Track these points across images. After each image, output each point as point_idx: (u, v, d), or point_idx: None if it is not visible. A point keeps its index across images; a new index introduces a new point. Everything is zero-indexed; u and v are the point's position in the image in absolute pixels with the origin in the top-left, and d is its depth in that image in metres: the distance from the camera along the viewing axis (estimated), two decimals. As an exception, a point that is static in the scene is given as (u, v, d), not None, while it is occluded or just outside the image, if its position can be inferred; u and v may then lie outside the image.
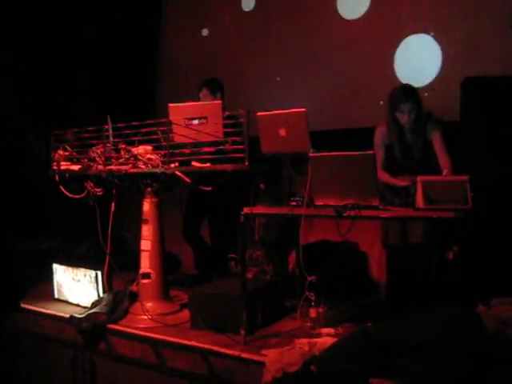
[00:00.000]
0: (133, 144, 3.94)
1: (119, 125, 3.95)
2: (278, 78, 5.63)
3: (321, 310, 3.65)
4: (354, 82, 5.23)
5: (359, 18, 5.27)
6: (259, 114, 3.43)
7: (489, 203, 3.33)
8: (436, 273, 3.61)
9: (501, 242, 3.57)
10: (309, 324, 3.65)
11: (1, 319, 3.32)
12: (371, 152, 3.04)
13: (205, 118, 3.62)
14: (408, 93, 3.79)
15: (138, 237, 4.14)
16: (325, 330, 3.56)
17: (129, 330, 3.76)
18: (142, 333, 3.70)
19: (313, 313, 3.64)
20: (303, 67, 5.54)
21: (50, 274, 4.60)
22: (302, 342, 3.25)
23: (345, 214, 3.09)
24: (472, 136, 3.80)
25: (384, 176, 3.82)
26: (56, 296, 4.52)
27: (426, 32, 4.90)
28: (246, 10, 6.03)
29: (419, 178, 3.01)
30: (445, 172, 3.41)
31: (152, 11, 6.69)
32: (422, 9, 4.94)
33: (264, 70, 5.77)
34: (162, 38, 6.74)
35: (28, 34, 5.56)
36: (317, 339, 3.32)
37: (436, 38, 4.85)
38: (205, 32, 6.30)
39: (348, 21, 5.33)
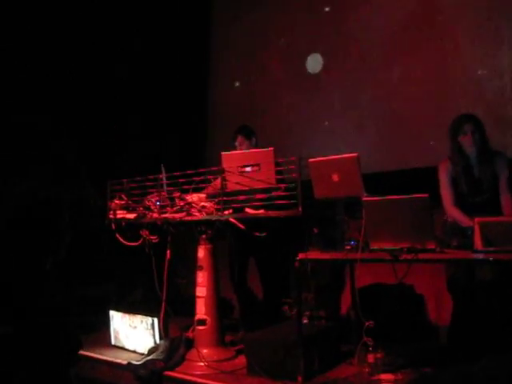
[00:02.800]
0: (187, 192, 4.04)
1: (174, 174, 4.05)
2: (326, 123, 5.68)
3: (379, 355, 3.58)
4: (402, 123, 5.23)
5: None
6: (311, 160, 3.48)
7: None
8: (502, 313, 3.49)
9: None
10: (367, 370, 3.58)
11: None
12: (425, 195, 3.01)
13: (257, 165, 3.69)
14: (469, 115, 3.79)
15: (192, 283, 4.21)
16: (384, 376, 3.48)
17: (185, 376, 3.76)
18: (199, 380, 3.69)
19: (371, 358, 3.57)
20: (351, 110, 5.58)
21: (106, 320, 4.68)
22: (361, 390, 3.20)
23: (401, 258, 3.08)
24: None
25: (455, 212, 3.67)
26: (113, 342, 4.57)
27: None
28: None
29: (476, 220, 2.97)
30: None
31: (199, 62, 6.90)
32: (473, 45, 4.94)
33: (312, 116, 5.83)
34: (210, 89, 6.92)
35: (86, 92, 5.83)
36: (376, 386, 3.28)
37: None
38: (251, 84, 6.44)
39: (392, 63, 5.37)
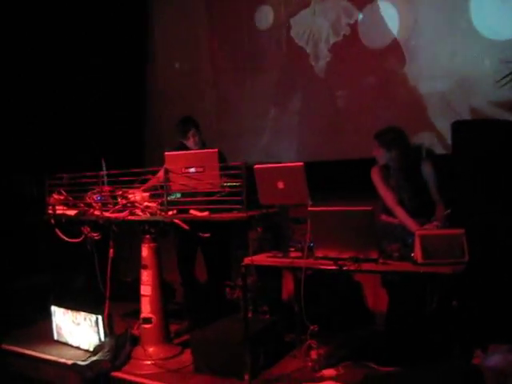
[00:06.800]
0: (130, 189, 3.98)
1: (116, 172, 3.95)
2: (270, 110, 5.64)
3: (321, 351, 3.74)
4: (342, 113, 5.29)
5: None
6: (257, 166, 3.47)
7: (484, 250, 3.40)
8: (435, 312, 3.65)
9: (498, 287, 3.62)
10: (310, 364, 3.72)
11: None
12: (369, 208, 3.10)
13: (201, 166, 3.65)
14: (397, 131, 3.85)
15: (137, 279, 4.20)
16: (326, 372, 3.64)
17: (133, 378, 3.78)
18: (146, 381, 3.72)
19: (314, 354, 3.72)
20: (291, 98, 5.59)
21: (47, 312, 4.60)
22: (305, 388, 3.35)
23: (345, 268, 3.17)
24: (463, 177, 3.85)
25: (401, 213, 3.73)
26: (55, 338, 4.53)
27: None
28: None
29: (418, 233, 3.09)
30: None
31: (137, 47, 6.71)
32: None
33: (253, 102, 5.82)
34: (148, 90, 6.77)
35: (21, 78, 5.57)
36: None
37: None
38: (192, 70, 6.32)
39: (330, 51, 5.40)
